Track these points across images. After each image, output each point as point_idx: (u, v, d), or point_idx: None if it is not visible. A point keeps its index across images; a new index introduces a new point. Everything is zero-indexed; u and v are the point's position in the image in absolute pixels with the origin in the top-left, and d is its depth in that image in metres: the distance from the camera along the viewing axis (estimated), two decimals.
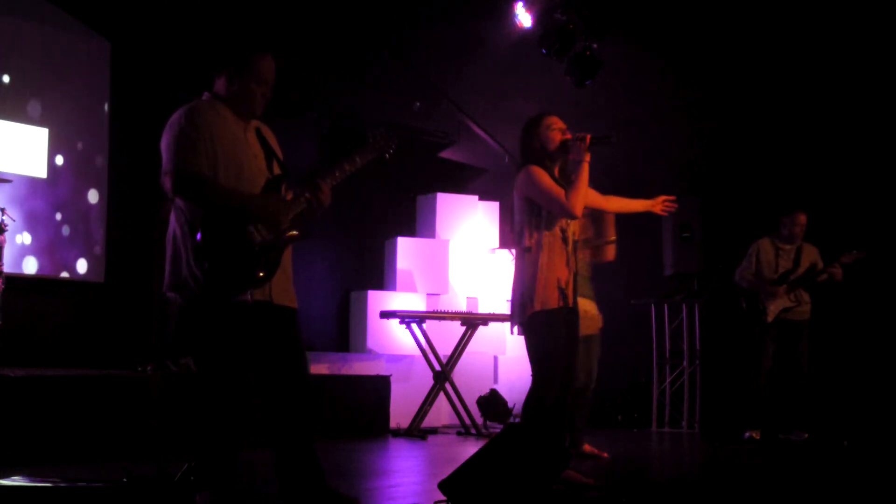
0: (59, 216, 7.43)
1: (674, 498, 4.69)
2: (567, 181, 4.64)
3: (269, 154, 3.86)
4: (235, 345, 3.69)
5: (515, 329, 4.70)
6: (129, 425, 5.66)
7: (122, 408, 5.69)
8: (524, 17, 7.56)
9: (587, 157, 4.57)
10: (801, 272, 7.44)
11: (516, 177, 4.72)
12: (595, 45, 7.56)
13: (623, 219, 5.70)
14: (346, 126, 8.83)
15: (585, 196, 4.61)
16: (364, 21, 7.67)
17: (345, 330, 8.75)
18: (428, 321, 7.89)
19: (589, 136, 4.58)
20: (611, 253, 5.89)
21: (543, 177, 4.60)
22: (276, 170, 3.85)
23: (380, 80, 8.49)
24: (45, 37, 7.41)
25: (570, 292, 4.61)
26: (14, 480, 3.88)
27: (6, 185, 6.80)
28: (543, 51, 7.59)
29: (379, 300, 8.43)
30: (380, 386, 7.64)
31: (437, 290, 8.78)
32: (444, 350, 7.96)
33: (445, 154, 9.79)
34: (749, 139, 8.74)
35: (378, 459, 6.32)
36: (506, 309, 8.66)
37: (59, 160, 7.46)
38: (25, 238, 7.18)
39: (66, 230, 7.46)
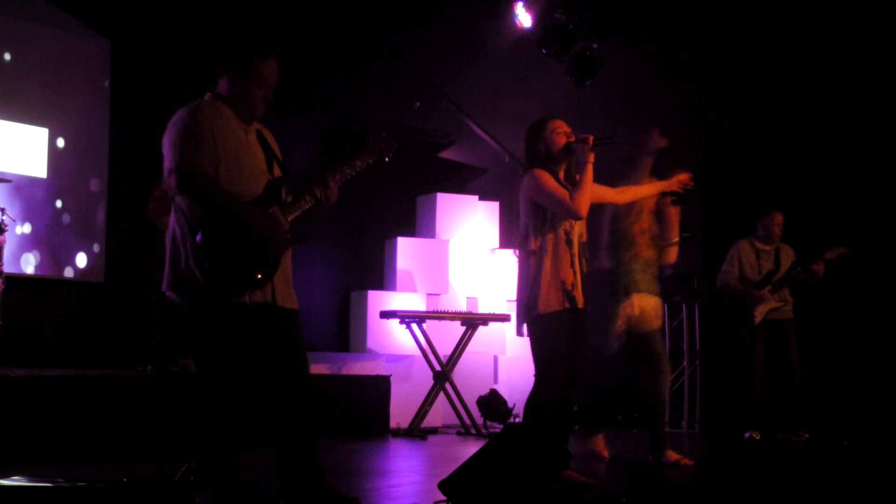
0: (58, 216, 7.43)
1: (674, 498, 4.69)
2: (573, 183, 4.68)
3: (270, 156, 3.86)
4: (235, 345, 3.69)
5: (524, 329, 4.73)
6: (129, 425, 5.66)
7: (122, 408, 5.69)
8: (524, 17, 7.56)
9: (591, 158, 4.62)
10: (783, 272, 7.49)
11: (521, 181, 4.76)
12: (595, 45, 7.56)
13: None
14: (346, 126, 8.83)
15: (590, 197, 4.67)
16: (364, 21, 7.67)
17: (345, 330, 8.75)
18: (428, 321, 7.89)
19: (592, 138, 4.62)
20: (673, 254, 5.92)
21: (548, 180, 4.66)
22: (277, 172, 3.85)
23: (380, 80, 8.49)
24: (45, 37, 7.41)
25: (577, 294, 4.64)
26: (14, 480, 3.87)
27: (6, 185, 6.80)
28: (543, 51, 7.59)
29: (379, 300, 8.43)
30: (380, 386, 7.64)
31: (437, 290, 8.78)
32: (444, 350, 7.96)
33: (445, 154, 9.79)
34: (749, 139, 8.74)
35: (378, 459, 6.32)
36: (506, 309, 8.71)
37: (59, 160, 7.46)
38: (25, 238, 7.18)
39: (65, 230, 7.46)
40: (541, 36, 7.59)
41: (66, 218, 7.47)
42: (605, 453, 6.04)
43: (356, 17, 7.61)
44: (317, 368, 7.62)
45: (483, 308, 8.91)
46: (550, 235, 4.66)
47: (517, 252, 4.95)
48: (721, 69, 8.01)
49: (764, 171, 8.75)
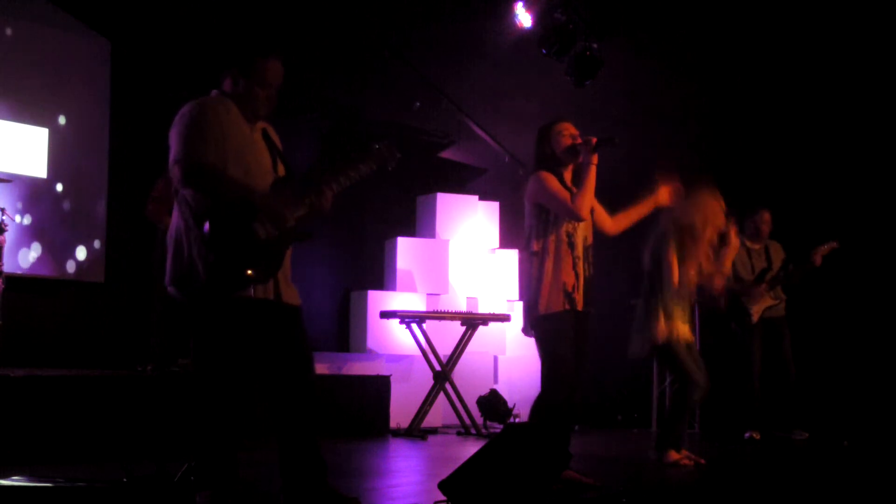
0: (58, 216, 7.43)
1: (674, 498, 4.69)
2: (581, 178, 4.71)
3: (275, 155, 3.87)
4: (235, 342, 3.69)
5: (529, 329, 4.76)
6: (129, 425, 5.66)
7: (122, 408, 5.69)
8: (524, 17, 7.56)
9: (594, 160, 4.63)
10: (776, 270, 7.51)
11: (527, 182, 4.79)
12: (595, 45, 7.56)
13: None
14: (346, 126, 8.83)
15: (592, 199, 4.67)
16: (364, 21, 7.67)
17: (345, 330, 8.75)
18: (428, 321, 7.89)
19: (595, 139, 4.64)
20: (720, 284, 5.79)
21: (551, 181, 4.69)
22: (282, 170, 3.85)
23: (380, 80, 8.49)
24: (45, 37, 7.41)
25: (577, 296, 4.67)
26: (14, 480, 3.88)
27: (6, 185, 6.80)
28: (543, 51, 7.59)
29: (379, 300, 8.43)
30: (380, 386, 7.64)
31: (437, 290, 8.78)
32: (444, 350, 7.96)
33: (445, 154, 9.79)
34: (749, 139, 8.73)
35: (378, 459, 6.32)
36: (506, 309, 8.71)
37: (59, 160, 7.46)
38: (25, 238, 7.18)
39: (65, 230, 7.46)
40: (541, 36, 7.59)
41: (65, 218, 7.47)
42: (688, 460, 5.75)
43: (356, 17, 7.61)
44: (317, 368, 7.56)
45: (483, 308, 8.91)
46: (552, 237, 4.69)
47: (519, 253, 4.96)
48: (720, 69, 8.01)
49: (764, 171, 8.74)
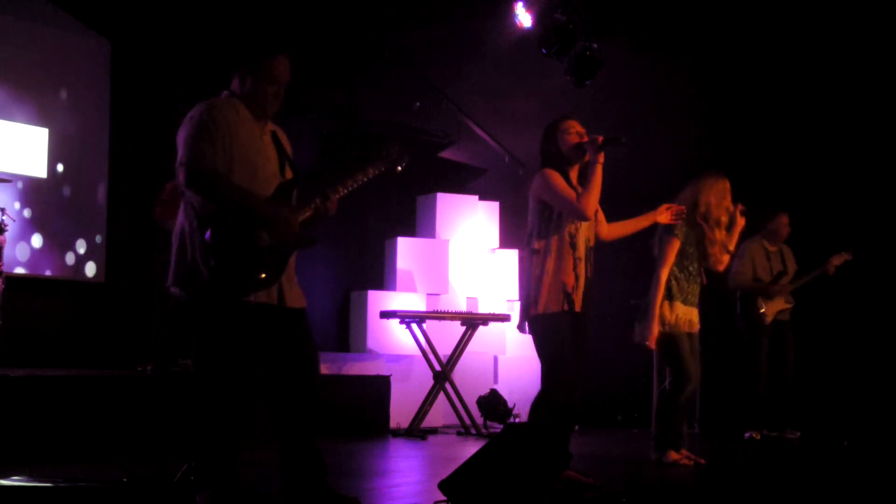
0: (58, 216, 7.43)
1: (674, 498, 4.69)
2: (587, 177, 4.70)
3: (283, 158, 3.86)
4: (237, 344, 3.69)
5: (526, 327, 4.75)
6: (129, 425, 5.66)
7: (122, 408, 5.69)
8: (524, 17, 7.56)
9: (601, 159, 4.62)
10: (791, 274, 7.55)
11: (532, 179, 4.78)
12: (595, 45, 7.56)
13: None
14: (346, 126, 8.83)
15: (597, 198, 4.66)
16: (364, 21, 7.67)
17: (345, 330, 8.74)
18: (428, 321, 7.89)
19: (601, 138, 4.63)
20: (724, 262, 5.87)
21: (557, 179, 4.68)
22: (289, 174, 3.85)
23: (380, 80, 8.48)
24: (45, 37, 7.41)
25: (576, 298, 4.65)
26: (14, 480, 3.88)
27: (6, 185, 6.80)
28: (543, 51, 7.59)
29: (379, 300, 8.42)
30: (380, 386, 7.64)
31: (437, 290, 8.78)
32: (444, 350, 7.96)
33: (445, 154, 9.79)
34: (749, 139, 8.73)
35: (378, 459, 6.32)
36: (506, 309, 8.70)
37: (59, 160, 7.46)
38: (25, 238, 7.18)
39: (65, 230, 7.46)
40: (541, 36, 7.59)
41: (65, 218, 7.47)
42: (688, 461, 5.76)
43: (356, 17, 7.61)
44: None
45: (483, 308, 8.91)
46: (555, 237, 4.67)
47: (519, 252, 4.96)
48: (721, 69, 8.01)
49: (764, 171, 8.74)
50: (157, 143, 7.85)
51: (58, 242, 7.40)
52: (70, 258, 7.46)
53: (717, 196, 5.78)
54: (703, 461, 5.78)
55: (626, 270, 7.34)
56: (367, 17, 7.62)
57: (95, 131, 7.69)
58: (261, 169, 3.75)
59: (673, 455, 5.72)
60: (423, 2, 7.50)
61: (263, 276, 3.64)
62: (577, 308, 4.68)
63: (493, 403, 8.05)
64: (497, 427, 7.87)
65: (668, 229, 5.68)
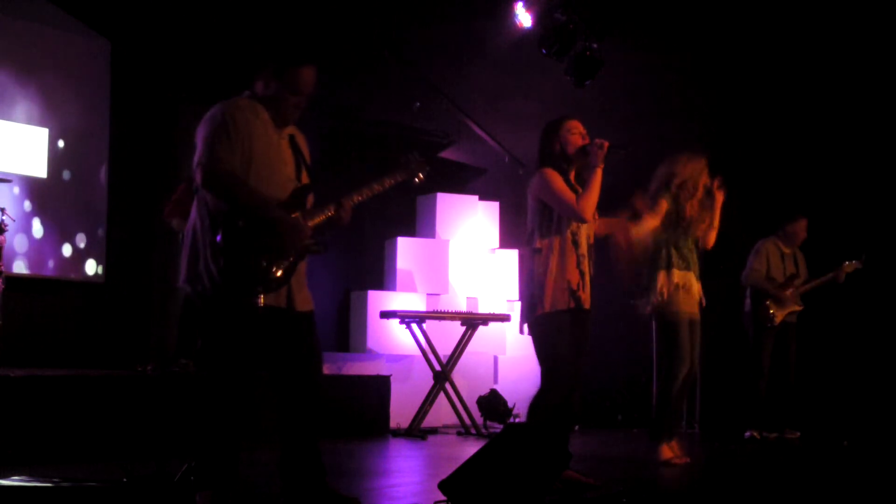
0: (59, 216, 7.43)
1: (674, 498, 4.69)
2: (583, 185, 4.69)
3: (300, 162, 3.86)
4: (243, 344, 3.70)
5: (525, 328, 4.74)
6: (129, 425, 5.66)
7: (122, 408, 5.69)
8: (524, 17, 7.56)
9: (601, 164, 4.62)
10: (803, 277, 7.58)
11: (531, 178, 4.77)
12: (595, 45, 7.55)
13: None
14: (346, 126, 8.83)
15: (596, 202, 4.66)
16: (364, 21, 7.67)
17: (345, 330, 8.75)
18: (428, 321, 7.89)
19: (607, 143, 4.63)
20: (711, 239, 5.92)
21: (557, 180, 4.66)
22: (305, 179, 3.85)
23: (380, 80, 8.48)
24: (45, 37, 7.41)
25: (582, 294, 4.64)
26: (14, 480, 3.88)
27: (6, 185, 6.80)
28: (543, 51, 7.58)
29: (379, 300, 8.42)
30: (380, 386, 7.64)
31: (437, 290, 8.78)
32: (444, 350, 7.96)
33: (445, 154, 9.79)
34: (749, 140, 8.73)
35: (378, 459, 6.32)
36: (506, 309, 8.70)
37: (59, 160, 7.46)
38: (25, 238, 7.18)
39: (66, 230, 7.46)
40: (541, 36, 7.59)
41: (66, 218, 7.47)
42: (679, 460, 5.77)
43: (356, 17, 7.61)
44: None
45: (483, 308, 8.91)
46: (557, 235, 4.66)
47: (520, 251, 4.94)
48: (721, 69, 8.01)
49: (764, 171, 8.74)
50: (158, 143, 7.86)
51: (58, 243, 7.40)
52: (70, 258, 7.47)
53: (693, 173, 5.82)
54: (687, 460, 5.78)
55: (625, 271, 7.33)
56: (367, 17, 7.62)
57: (95, 131, 7.69)
58: (277, 172, 3.74)
59: (665, 452, 5.72)
60: (423, 2, 7.50)
61: (271, 279, 3.63)
62: (586, 305, 4.68)
63: (493, 403, 8.05)
64: (497, 427, 7.87)
65: (655, 196, 5.74)
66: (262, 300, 3.63)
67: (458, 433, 7.83)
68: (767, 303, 7.52)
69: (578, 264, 4.67)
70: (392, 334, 8.28)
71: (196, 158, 3.65)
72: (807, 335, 7.90)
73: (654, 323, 6.02)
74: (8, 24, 7.21)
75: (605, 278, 6.10)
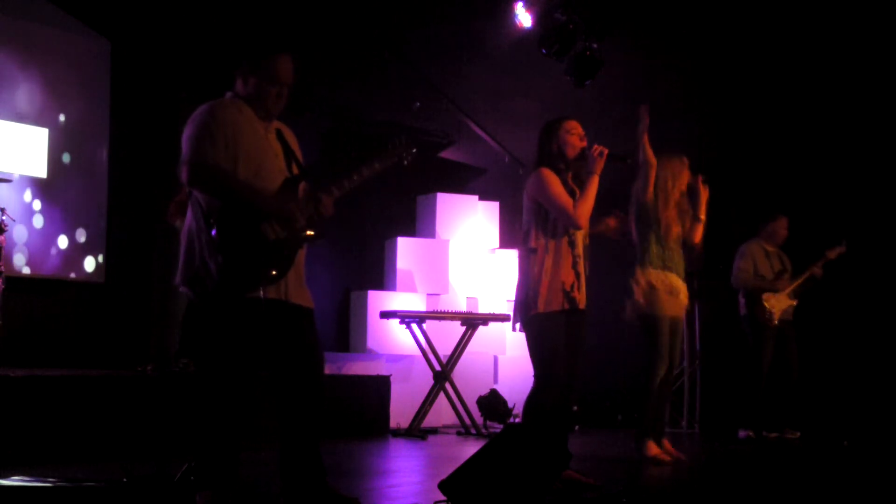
0: (59, 216, 7.43)
1: (674, 498, 4.69)
2: (580, 186, 4.69)
3: (289, 154, 3.87)
4: (244, 343, 3.70)
5: (517, 326, 4.74)
6: (129, 425, 5.66)
7: (122, 408, 5.69)
8: (524, 17, 7.55)
9: (599, 170, 4.62)
10: (790, 275, 7.59)
11: (528, 177, 4.76)
12: (595, 45, 7.55)
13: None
14: (346, 126, 8.83)
15: (591, 208, 4.66)
16: (364, 21, 7.67)
17: (345, 330, 8.75)
18: (428, 321, 7.89)
19: (607, 152, 4.63)
20: (698, 234, 5.95)
21: (554, 183, 4.65)
22: (295, 170, 3.86)
23: (380, 80, 8.48)
24: (45, 37, 7.41)
25: (576, 295, 4.64)
26: (14, 480, 3.88)
27: (6, 185, 6.80)
28: (543, 51, 7.58)
29: (379, 300, 8.43)
30: (380, 386, 7.64)
31: (437, 290, 8.78)
32: (444, 350, 7.96)
33: (445, 154, 9.79)
34: (750, 139, 8.74)
35: (378, 459, 6.32)
36: (506, 309, 8.69)
37: (59, 160, 7.46)
38: (25, 238, 7.18)
39: (65, 230, 7.46)
40: (541, 36, 7.58)
41: (66, 218, 7.47)
42: (665, 457, 5.82)
43: (356, 17, 7.61)
44: None
45: (483, 308, 8.91)
46: (553, 236, 4.66)
47: (518, 250, 4.94)
48: (721, 69, 8.01)
49: (764, 172, 8.75)
50: (158, 143, 7.85)
51: (58, 243, 7.40)
52: (70, 258, 7.46)
53: (673, 173, 5.83)
54: (683, 457, 5.79)
55: (624, 270, 7.33)
56: (367, 17, 7.62)
57: (95, 131, 7.69)
58: (266, 165, 3.76)
59: (652, 448, 5.73)
60: (423, 2, 7.49)
61: (273, 272, 3.64)
62: (581, 305, 4.68)
63: (493, 403, 8.05)
64: (497, 427, 7.87)
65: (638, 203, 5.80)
66: (263, 293, 3.64)
67: (458, 433, 7.83)
68: (763, 300, 7.52)
69: (574, 265, 4.67)
70: (392, 334, 8.28)
71: (182, 157, 3.66)
72: (806, 335, 7.90)
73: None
74: (8, 24, 7.21)
75: (604, 279, 6.13)
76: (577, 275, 4.67)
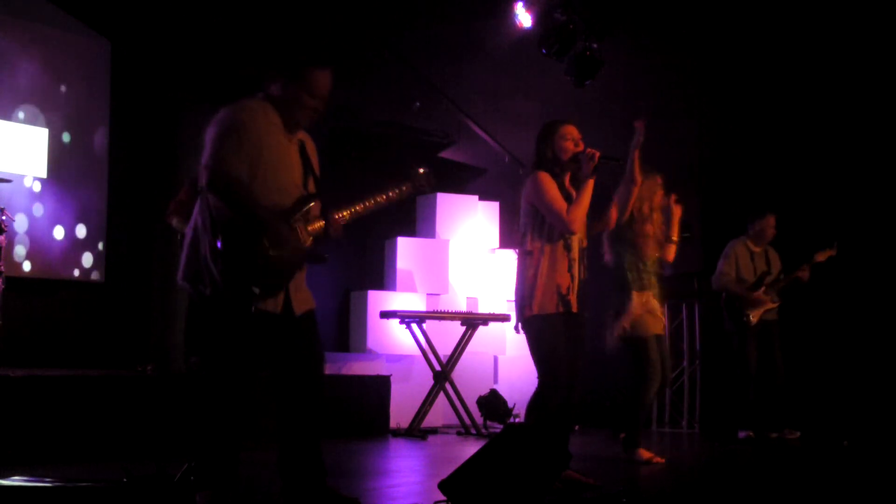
0: (59, 216, 7.43)
1: (674, 498, 4.69)
2: (578, 188, 4.69)
3: (307, 170, 3.85)
4: (243, 345, 3.70)
5: (519, 326, 4.76)
6: (129, 425, 5.66)
7: (122, 408, 5.69)
8: (524, 17, 7.55)
9: (593, 176, 4.63)
10: (776, 274, 7.57)
11: (525, 180, 4.78)
12: (595, 45, 7.55)
13: None
14: (347, 126, 8.83)
15: (586, 212, 4.66)
16: (364, 21, 7.67)
17: (345, 330, 8.75)
18: (428, 321, 7.89)
19: (598, 154, 4.63)
20: (671, 253, 5.97)
21: (549, 187, 4.66)
22: (311, 187, 3.83)
23: (380, 80, 8.48)
24: (46, 37, 7.41)
25: (572, 298, 4.65)
26: (14, 480, 3.88)
27: (6, 185, 6.80)
28: (543, 51, 7.58)
29: (379, 300, 8.43)
30: (380, 386, 7.64)
31: (437, 290, 8.78)
32: (444, 350, 7.96)
33: (445, 154, 9.79)
34: (749, 139, 8.74)
35: (378, 459, 6.32)
36: (506, 309, 8.70)
37: (59, 160, 7.46)
38: (25, 238, 7.18)
39: (66, 230, 7.46)
40: (541, 36, 7.58)
41: (66, 217, 7.47)
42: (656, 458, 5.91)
43: (356, 17, 7.60)
44: None
45: (483, 308, 8.91)
46: (549, 239, 4.66)
47: (516, 251, 4.96)
48: (721, 69, 8.01)
49: (764, 172, 8.74)
50: (158, 144, 7.86)
51: (58, 242, 7.40)
52: (70, 258, 7.47)
53: (648, 194, 5.86)
54: (662, 460, 5.90)
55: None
56: (366, 17, 7.62)
57: (95, 131, 7.69)
58: (284, 177, 3.73)
59: (644, 453, 5.83)
60: (423, 2, 7.49)
61: (265, 288, 3.63)
62: (574, 309, 4.68)
63: (493, 403, 8.06)
64: (497, 427, 7.87)
65: (614, 231, 5.80)
66: (257, 306, 3.63)
67: (458, 433, 7.83)
68: (742, 302, 7.52)
69: (570, 268, 4.67)
70: (392, 334, 8.28)
71: (203, 160, 3.64)
72: (806, 334, 7.90)
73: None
74: (8, 24, 7.21)
75: (604, 279, 6.14)
76: (573, 278, 4.68)
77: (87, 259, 7.58)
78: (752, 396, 7.45)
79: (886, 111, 7.88)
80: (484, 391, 8.22)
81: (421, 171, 4.14)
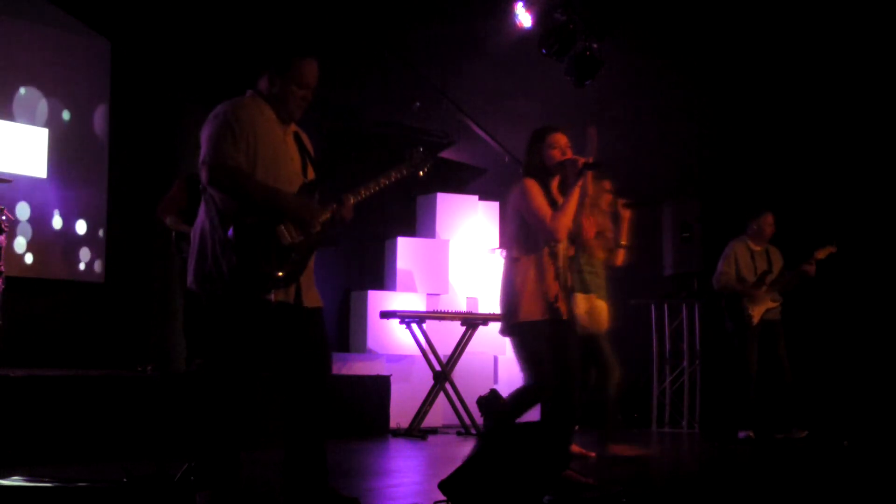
0: (58, 216, 7.43)
1: (674, 498, 4.69)
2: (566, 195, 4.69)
3: (305, 158, 3.88)
4: (252, 344, 3.70)
5: (506, 330, 4.74)
6: (129, 425, 5.66)
7: (122, 408, 5.69)
8: (524, 17, 7.56)
9: (579, 181, 4.61)
10: (777, 273, 7.55)
11: (513, 186, 4.76)
12: (595, 45, 7.56)
13: None
14: (347, 126, 8.83)
15: (571, 219, 4.63)
16: (364, 21, 7.67)
17: (345, 330, 8.75)
18: (428, 321, 7.89)
19: (582, 160, 4.62)
20: (621, 257, 5.96)
21: (535, 194, 4.63)
22: (311, 174, 3.85)
23: (380, 80, 8.48)
24: (45, 37, 7.41)
25: (561, 306, 4.61)
26: (14, 480, 3.88)
27: (6, 185, 6.80)
28: (543, 51, 7.58)
29: (379, 300, 8.43)
30: (380, 386, 7.64)
31: (437, 290, 8.78)
32: (444, 350, 7.96)
33: (445, 154, 9.79)
34: (749, 139, 8.74)
35: (378, 459, 6.32)
36: None
37: (59, 160, 7.46)
38: (25, 238, 7.18)
39: (66, 230, 7.46)
40: (541, 36, 7.59)
41: (65, 218, 7.47)
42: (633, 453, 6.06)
43: (356, 17, 7.61)
44: None
45: (483, 308, 8.91)
46: (535, 247, 4.63)
47: (504, 254, 4.93)
48: (721, 69, 8.01)
49: (764, 171, 8.74)
50: (158, 143, 7.86)
51: (58, 243, 7.40)
52: (70, 258, 7.47)
53: (593, 199, 5.87)
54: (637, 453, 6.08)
55: (624, 272, 7.34)
56: (366, 17, 7.62)
57: (96, 131, 7.70)
58: (284, 168, 3.76)
59: (625, 449, 6.00)
60: (423, 2, 7.50)
61: (282, 274, 3.64)
62: (564, 316, 4.64)
63: (493, 403, 8.04)
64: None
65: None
66: (273, 296, 3.64)
67: (458, 433, 7.83)
68: (742, 303, 7.51)
69: (557, 276, 4.63)
70: (392, 334, 8.28)
71: (201, 157, 3.65)
72: (806, 334, 7.89)
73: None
74: (8, 24, 7.21)
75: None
76: (561, 286, 4.64)
77: (87, 259, 7.58)
78: (752, 397, 7.45)
79: (885, 111, 7.88)
80: (484, 391, 8.18)
81: (415, 152, 4.16)
